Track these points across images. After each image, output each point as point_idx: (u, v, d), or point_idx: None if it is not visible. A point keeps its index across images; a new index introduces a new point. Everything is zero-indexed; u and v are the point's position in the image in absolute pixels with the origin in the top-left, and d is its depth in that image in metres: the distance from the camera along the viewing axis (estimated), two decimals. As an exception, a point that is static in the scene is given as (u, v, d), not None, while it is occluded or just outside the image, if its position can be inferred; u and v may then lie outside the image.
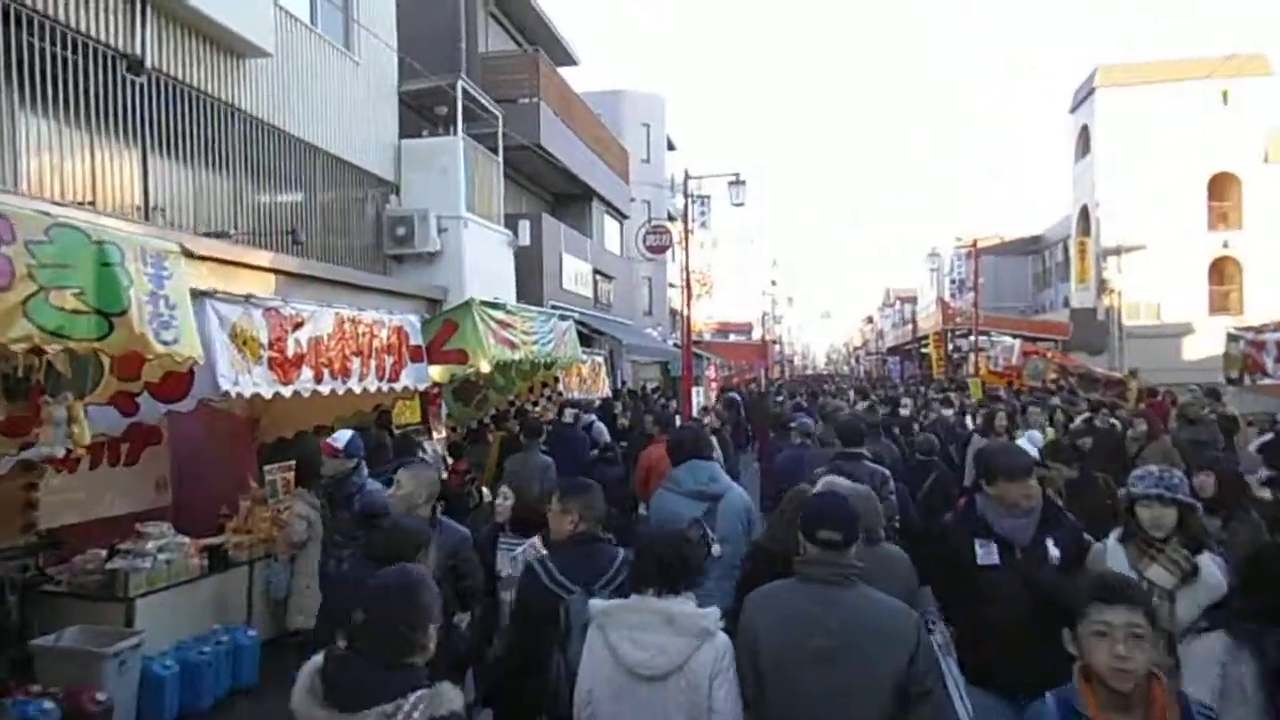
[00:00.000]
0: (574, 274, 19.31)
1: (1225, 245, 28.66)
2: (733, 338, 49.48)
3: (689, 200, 17.54)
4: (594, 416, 9.78)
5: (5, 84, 6.67)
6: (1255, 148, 27.92)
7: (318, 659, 2.14)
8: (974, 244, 28.67)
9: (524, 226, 15.71)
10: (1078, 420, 9.89)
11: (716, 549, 4.02)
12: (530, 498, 4.34)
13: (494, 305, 7.99)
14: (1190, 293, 28.77)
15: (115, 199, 7.80)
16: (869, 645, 2.57)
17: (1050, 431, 9.34)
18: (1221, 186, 28.73)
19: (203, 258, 7.56)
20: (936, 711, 2.70)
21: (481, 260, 14.31)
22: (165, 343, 3.57)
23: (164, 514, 6.31)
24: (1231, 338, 11.85)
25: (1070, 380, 18.73)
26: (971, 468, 7.69)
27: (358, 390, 5.93)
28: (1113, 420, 9.56)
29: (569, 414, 9.17)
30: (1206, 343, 28.41)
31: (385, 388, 6.28)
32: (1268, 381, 10.98)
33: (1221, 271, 29.19)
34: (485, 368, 7.84)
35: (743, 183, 16.31)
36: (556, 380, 10.76)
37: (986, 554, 3.58)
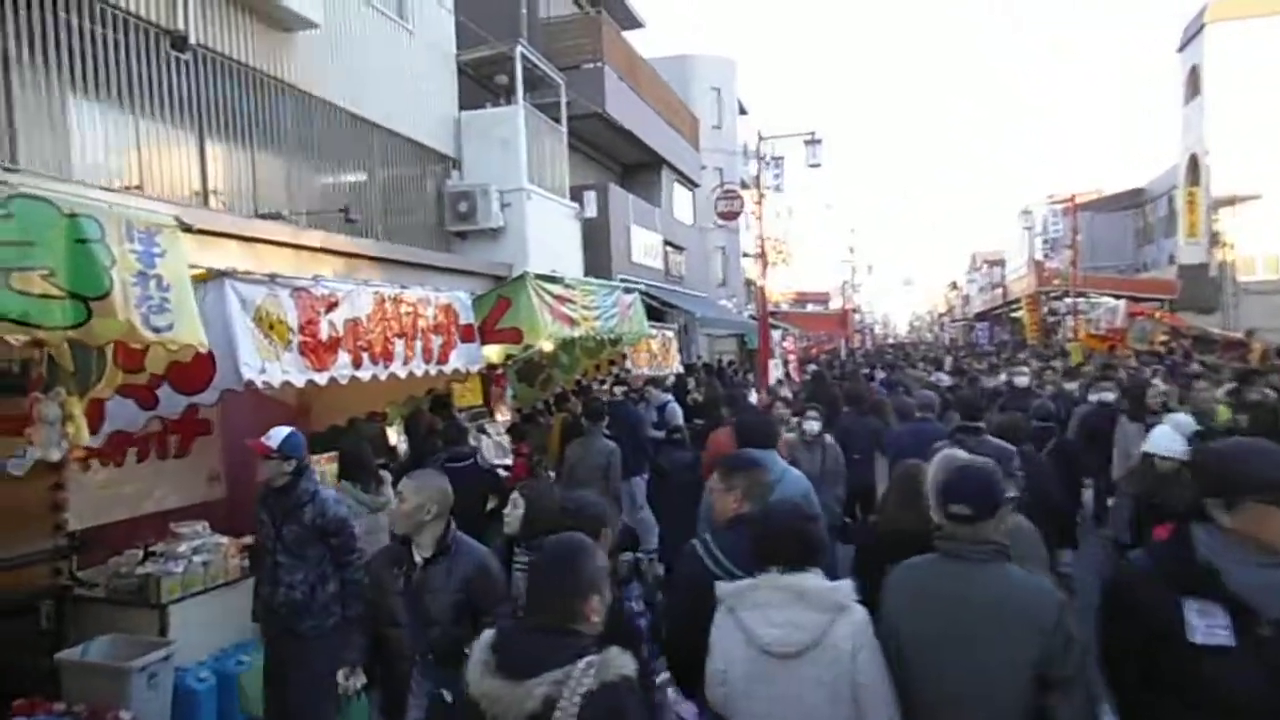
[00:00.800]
0: (643, 246, 18.70)
1: (1353, 191, 26.10)
2: (810, 308, 48.17)
3: (762, 163, 16.66)
4: (669, 396, 9.19)
5: (56, 69, 6.41)
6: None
7: (490, 634, 2.16)
8: (1071, 198, 26.83)
9: (589, 198, 15.17)
10: (1219, 392, 8.46)
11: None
12: (548, 505, 3.74)
13: (550, 279, 7.46)
14: (1314, 244, 26.39)
15: (167, 183, 7.55)
16: (1010, 625, 2.44)
17: (1224, 410, 7.13)
18: (1349, 127, 26.12)
19: (255, 239, 7.27)
20: (1090, 705, 2.52)
21: (546, 234, 13.84)
22: (157, 329, 3.13)
23: (218, 508, 6.06)
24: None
25: (1184, 343, 17.25)
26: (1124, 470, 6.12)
27: (402, 375, 5.47)
28: (1267, 390, 8.04)
29: (619, 391, 8.58)
30: (1333, 298, 26.10)
31: (434, 371, 5.81)
32: None
33: (1350, 220, 26.63)
34: (547, 346, 7.34)
35: (818, 141, 15.38)
36: (624, 357, 10.21)
37: (1210, 628, 2.24)
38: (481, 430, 8.52)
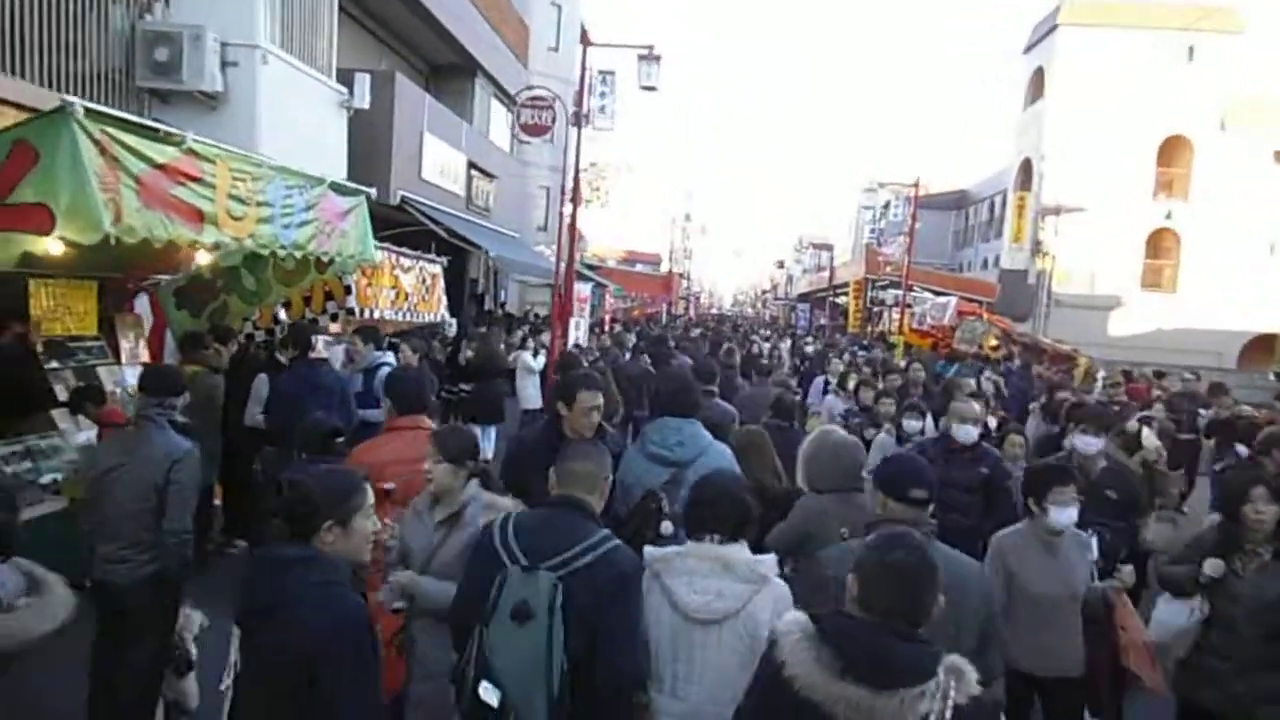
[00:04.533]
0: (439, 163, 15.28)
1: (1168, 216, 26.69)
2: (639, 267, 45.91)
3: (586, 75, 13.69)
4: (387, 355, 6.14)
5: None
6: (1213, 111, 25.81)
7: (799, 622, 2.03)
8: (915, 185, 25.79)
9: (362, 82, 11.62)
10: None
11: (668, 526, 3.21)
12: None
13: (144, 128, 4.19)
14: (1125, 264, 26.83)
15: None
16: (951, 596, 2.24)
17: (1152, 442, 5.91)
18: (1172, 151, 26.64)
19: None
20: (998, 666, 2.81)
21: (291, 116, 10.27)
22: None
23: None
24: None
25: (1013, 349, 16.11)
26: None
27: None
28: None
29: (323, 346, 5.47)
30: (1134, 320, 26.74)
31: None
32: None
33: (1159, 244, 27.33)
34: (127, 239, 4.09)
35: (657, 58, 12.60)
36: (348, 291, 7.06)
37: None
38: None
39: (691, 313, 53.49)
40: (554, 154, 23.43)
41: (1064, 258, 26.88)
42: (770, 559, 2.76)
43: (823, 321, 41.01)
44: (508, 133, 22.59)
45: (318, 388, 4.83)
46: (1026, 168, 28.55)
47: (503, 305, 24.42)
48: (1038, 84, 28.38)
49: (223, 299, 6.50)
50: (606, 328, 20.54)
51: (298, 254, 5.40)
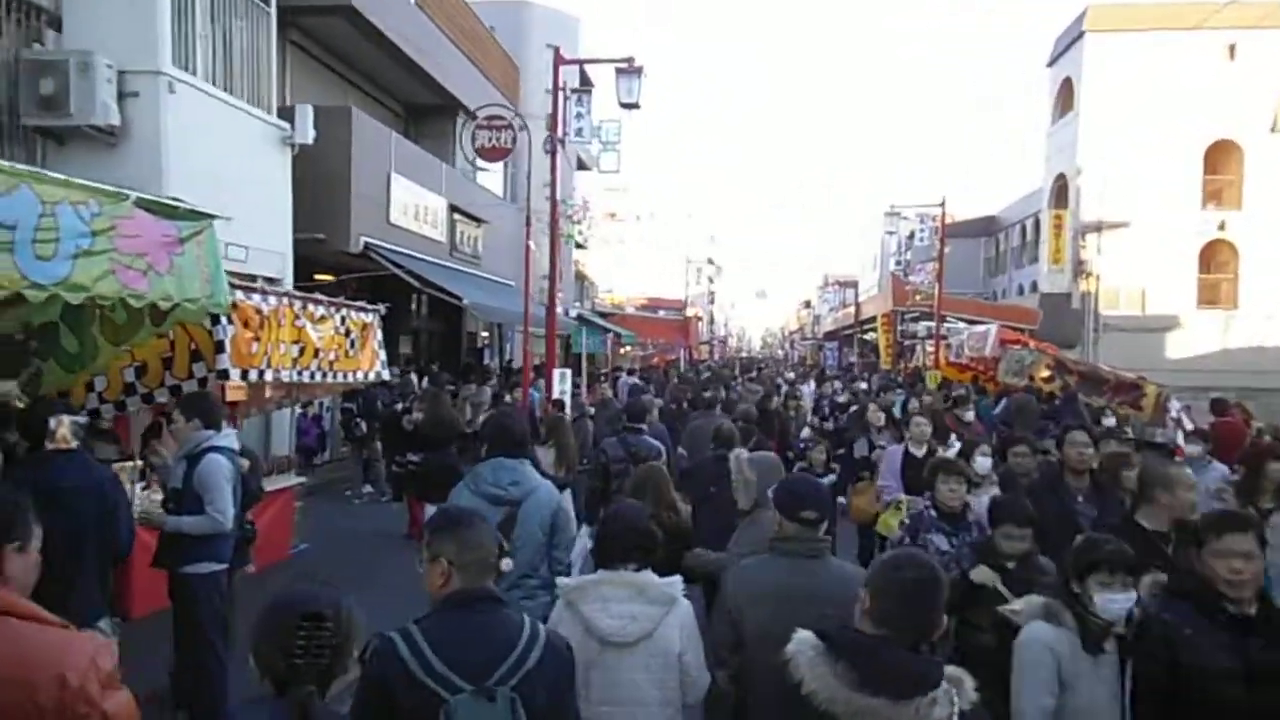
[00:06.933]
0: (412, 206, 13.89)
1: (1221, 227, 24.60)
2: (662, 314, 44.34)
3: (560, 93, 12.21)
4: (229, 434, 4.49)
5: None
6: (1262, 113, 23.87)
7: (809, 640, 2.09)
8: (942, 205, 24.04)
9: (304, 115, 10.25)
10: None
11: (507, 563, 2.77)
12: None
13: None
14: (1178, 280, 24.70)
15: None
16: (842, 610, 2.42)
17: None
18: (1219, 157, 24.66)
19: None
20: None
21: (212, 153, 8.94)
22: None
23: None
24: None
25: (1069, 379, 14.15)
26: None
27: None
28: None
29: (69, 430, 3.75)
30: (1193, 340, 24.54)
31: None
32: None
33: (1213, 257, 25.20)
34: None
35: (638, 71, 11.11)
36: (219, 349, 5.49)
37: None
38: None
39: (717, 356, 51.73)
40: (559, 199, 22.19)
41: (1109, 277, 24.86)
42: (677, 580, 3.01)
43: (852, 359, 39.03)
44: (502, 179, 21.38)
45: (55, 494, 3.18)
46: (1061, 184, 26.71)
47: (509, 361, 22.99)
48: (1066, 97, 26.66)
49: (36, 365, 4.94)
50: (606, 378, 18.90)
51: (76, 297, 3.82)
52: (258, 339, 5.85)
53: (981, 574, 3.52)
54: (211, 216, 4.85)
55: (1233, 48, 23.87)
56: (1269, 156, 23.82)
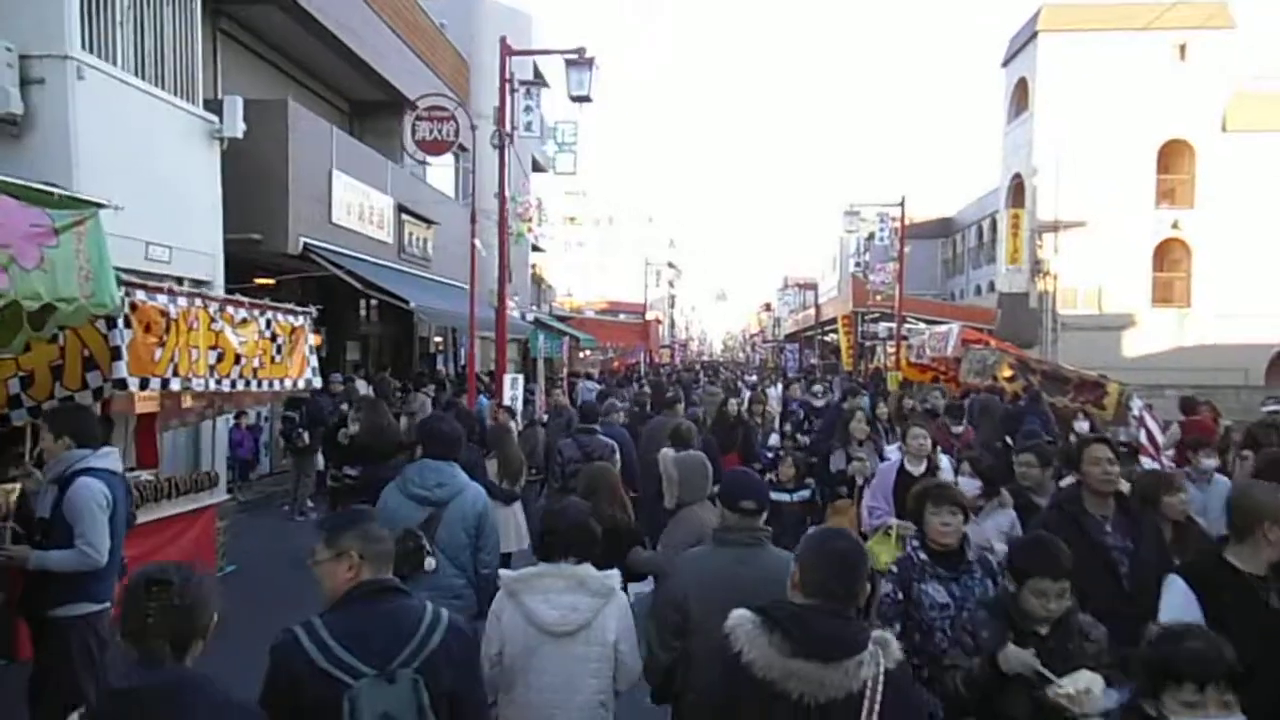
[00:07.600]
0: (359, 206, 13.26)
1: (1174, 226, 24.82)
2: (622, 317, 43.84)
3: (509, 86, 11.68)
4: (108, 454, 3.91)
5: None
6: (1213, 113, 24.13)
7: (746, 615, 2.20)
8: (902, 204, 23.91)
9: (233, 107, 9.60)
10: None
11: (430, 563, 3.56)
12: None
13: None
14: (1133, 279, 24.86)
15: None
16: (782, 594, 2.48)
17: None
18: (1172, 157, 24.89)
19: None
20: None
21: (128, 145, 8.27)
22: None
23: None
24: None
25: (1032, 379, 13.96)
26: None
27: None
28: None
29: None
30: (1148, 338, 24.72)
31: None
32: None
33: (1166, 256, 25.42)
34: None
35: (589, 62, 10.62)
36: (116, 355, 4.89)
37: None
38: None
39: (677, 360, 51.38)
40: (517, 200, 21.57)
41: (1067, 277, 24.95)
42: (615, 574, 3.12)
43: (813, 361, 38.92)
44: (453, 179, 20.75)
45: None
46: (1018, 184, 26.80)
47: (463, 366, 22.35)
48: (1021, 97, 26.75)
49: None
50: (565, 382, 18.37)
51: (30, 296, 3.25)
52: (162, 344, 5.25)
53: (1014, 660, 2.72)
54: (98, 205, 4.26)
55: (1183, 48, 24.11)
56: (1220, 156, 24.09)
